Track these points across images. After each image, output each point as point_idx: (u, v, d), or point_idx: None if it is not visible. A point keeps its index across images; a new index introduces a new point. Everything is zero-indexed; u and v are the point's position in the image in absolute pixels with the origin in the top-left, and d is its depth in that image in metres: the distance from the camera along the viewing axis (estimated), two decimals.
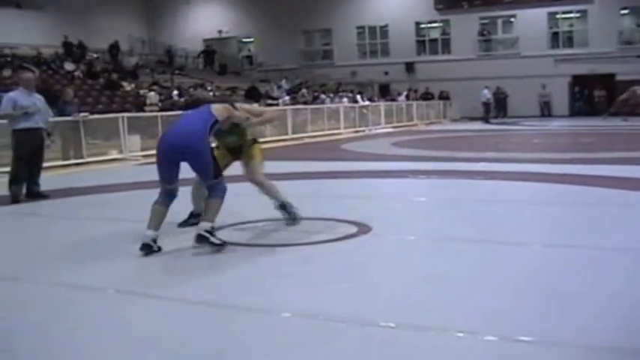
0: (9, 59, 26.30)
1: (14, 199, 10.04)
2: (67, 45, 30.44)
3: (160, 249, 6.06)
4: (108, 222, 8.17)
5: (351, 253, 6.18)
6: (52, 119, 11.38)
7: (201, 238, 5.98)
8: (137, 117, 19.40)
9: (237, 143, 7.20)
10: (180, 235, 6.82)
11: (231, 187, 6.40)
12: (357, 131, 27.48)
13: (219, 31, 42.68)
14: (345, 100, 31.52)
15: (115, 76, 26.66)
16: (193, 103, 7.22)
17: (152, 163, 15.78)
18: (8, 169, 10.69)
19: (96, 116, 17.79)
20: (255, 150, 7.35)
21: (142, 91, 25.03)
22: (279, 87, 32.60)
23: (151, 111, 21.50)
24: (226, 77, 36.99)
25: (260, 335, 4.02)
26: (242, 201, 7.64)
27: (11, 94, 10.52)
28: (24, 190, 10.30)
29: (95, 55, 30.64)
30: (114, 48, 32.72)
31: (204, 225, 6.02)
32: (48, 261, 6.20)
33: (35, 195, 10.35)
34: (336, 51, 41.61)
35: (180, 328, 4.18)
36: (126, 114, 18.59)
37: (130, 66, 30.31)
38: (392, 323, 4.09)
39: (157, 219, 6.10)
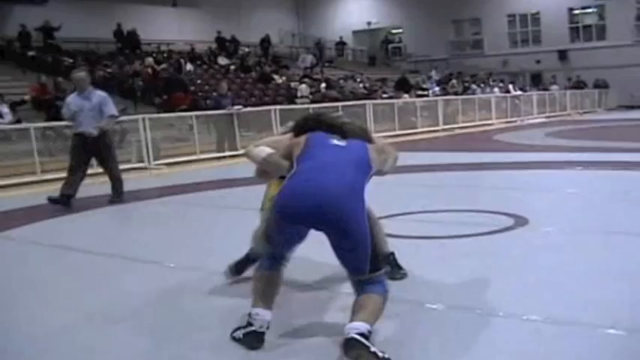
0: (165, 55, 27.31)
1: (57, 199, 9.45)
2: (220, 40, 31.27)
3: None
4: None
5: (509, 245, 6.01)
6: (111, 116, 9.84)
7: (353, 344, 3.47)
8: (289, 109, 19.70)
9: None
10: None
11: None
12: (509, 121, 26.89)
13: (369, 23, 42.75)
14: (496, 90, 30.90)
15: (267, 69, 27.17)
16: (323, 125, 4.26)
17: None
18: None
19: (249, 109, 18.21)
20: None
21: (292, 84, 25.38)
22: (429, 78, 32.31)
23: (302, 103, 21.78)
24: (376, 68, 37.02)
25: (415, 327, 3.98)
26: (394, 192, 7.57)
27: (69, 97, 10.12)
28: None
29: (247, 50, 31.32)
30: (265, 42, 33.37)
31: (360, 326, 3.54)
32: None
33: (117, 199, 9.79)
34: (486, 40, 40.81)
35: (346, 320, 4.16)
36: (278, 106, 18.93)
37: (306, 64, 30.60)
38: (558, 320, 3.94)
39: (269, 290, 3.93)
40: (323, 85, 26.12)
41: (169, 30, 32.58)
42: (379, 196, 6.33)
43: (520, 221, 6.78)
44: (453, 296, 4.50)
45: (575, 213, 7.47)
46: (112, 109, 9.78)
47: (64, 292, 5.29)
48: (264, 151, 4.24)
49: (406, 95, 26.07)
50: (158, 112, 18.55)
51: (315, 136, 4.07)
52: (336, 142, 4.00)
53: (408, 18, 41.69)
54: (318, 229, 3.76)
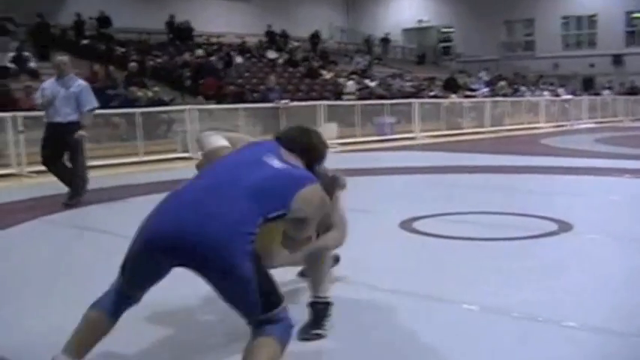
0: (215, 47, 27.49)
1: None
2: (270, 34, 31.39)
3: None
4: None
5: (552, 250, 5.93)
6: (90, 110, 8.91)
7: None
8: (335, 105, 19.71)
9: None
10: None
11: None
12: (557, 126, 26.56)
13: (419, 21, 42.56)
14: (545, 93, 30.53)
15: (315, 64, 27.20)
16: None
17: (349, 151, 16.18)
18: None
19: (295, 103, 18.25)
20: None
21: (340, 80, 25.38)
22: (478, 78, 32.06)
23: (349, 100, 21.76)
24: (424, 67, 36.84)
25: (449, 328, 3.95)
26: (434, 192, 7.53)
27: (45, 82, 9.27)
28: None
29: (296, 44, 31.38)
30: (314, 37, 33.41)
31: None
32: None
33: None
34: (538, 42, 40.38)
35: (383, 317, 4.17)
36: (324, 102, 18.96)
37: (360, 66, 30.52)
38: (596, 327, 3.88)
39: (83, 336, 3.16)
40: (370, 81, 26.09)
41: (220, 22, 32.77)
42: (419, 196, 6.34)
43: (564, 227, 6.69)
44: (490, 298, 4.45)
45: (621, 221, 7.34)
46: (92, 100, 8.88)
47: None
48: (217, 141, 3.67)
49: (454, 95, 25.92)
50: (205, 104, 18.70)
51: (256, 145, 3.61)
52: (269, 160, 3.28)
53: (459, 17, 41.43)
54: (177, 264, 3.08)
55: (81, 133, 8.70)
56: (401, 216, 7.19)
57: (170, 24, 28.19)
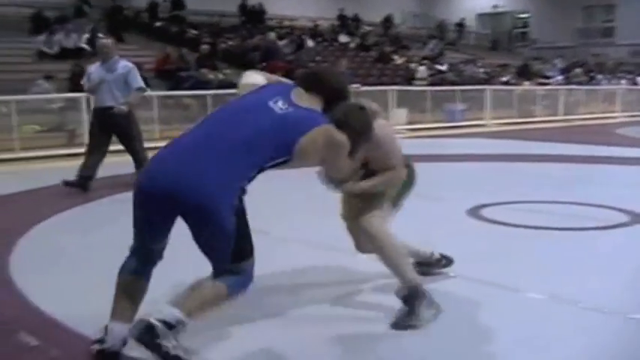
0: (288, 31, 27.59)
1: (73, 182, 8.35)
2: (342, 18, 31.35)
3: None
4: None
5: (622, 241, 5.84)
6: (138, 89, 8.70)
7: (142, 329, 2.99)
8: (406, 90, 19.61)
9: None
10: None
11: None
12: (634, 115, 25.92)
13: (494, 6, 41.93)
14: (623, 81, 29.80)
15: (387, 49, 27.08)
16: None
17: (418, 137, 16.11)
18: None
19: (366, 88, 18.20)
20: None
21: (412, 65, 25.21)
22: (553, 65, 31.47)
23: (420, 85, 21.62)
24: (498, 53, 36.31)
25: (512, 314, 3.96)
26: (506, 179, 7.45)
27: (91, 66, 8.92)
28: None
29: (368, 28, 31.26)
30: (387, 21, 33.24)
31: (167, 311, 3.04)
32: None
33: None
34: (619, 28, 39.31)
35: (448, 303, 4.14)
36: (395, 87, 18.88)
37: (434, 51, 30.26)
38: None
39: (121, 301, 3.31)
40: (444, 67, 25.87)
41: (293, 6, 32.81)
42: (488, 183, 6.28)
43: (636, 218, 6.57)
44: (557, 288, 4.40)
45: None
46: (139, 81, 8.66)
47: None
48: (250, 79, 3.69)
49: (527, 83, 25.51)
50: None
51: (266, 88, 3.51)
52: (274, 105, 3.28)
53: (535, 3, 40.66)
54: (173, 215, 3.21)
55: (121, 108, 8.38)
56: (469, 203, 7.16)
57: (243, 7, 28.40)
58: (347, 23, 30.97)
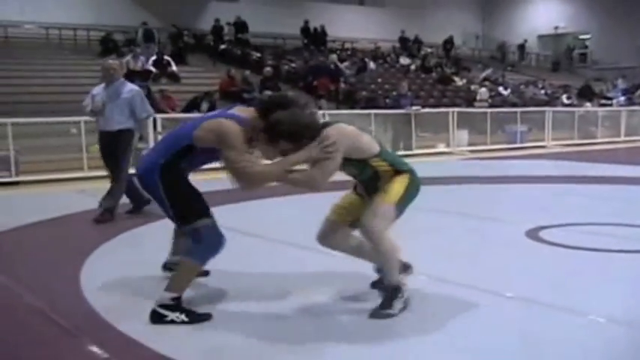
0: (349, 53, 27.94)
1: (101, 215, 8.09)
2: (403, 40, 31.58)
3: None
4: (438, 213, 8.33)
5: None
6: (146, 117, 8.61)
7: (154, 317, 4.25)
8: (467, 112, 19.72)
9: (363, 175, 4.56)
10: None
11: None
12: None
13: (556, 27, 41.68)
14: None
15: (448, 70, 27.21)
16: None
17: (479, 158, 16.18)
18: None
19: (427, 110, 18.38)
20: (394, 184, 4.48)
21: (472, 87, 25.29)
22: (615, 86, 31.15)
23: (481, 107, 21.69)
24: (559, 74, 36.11)
25: (575, 338, 4.02)
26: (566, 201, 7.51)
27: (95, 88, 8.52)
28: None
29: (429, 50, 31.42)
30: (448, 43, 33.36)
31: (164, 296, 4.27)
32: None
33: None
34: None
35: (506, 324, 4.32)
36: (456, 109, 19.01)
37: (493, 73, 30.25)
38: None
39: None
40: (503, 88, 25.88)
41: (355, 28, 33.22)
42: (548, 205, 6.38)
43: None
44: (617, 311, 4.47)
45: None
46: (147, 108, 8.39)
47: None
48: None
49: (588, 104, 25.36)
50: (338, 109, 19.12)
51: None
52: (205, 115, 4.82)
53: (597, 23, 40.22)
54: None
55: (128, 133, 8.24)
56: (528, 225, 7.22)
57: (305, 30, 28.84)
58: (408, 45, 31.15)
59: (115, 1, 27.06)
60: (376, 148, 4.46)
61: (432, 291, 4.81)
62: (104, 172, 8.84)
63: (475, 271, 5.35)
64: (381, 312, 4.31)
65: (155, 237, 6.72)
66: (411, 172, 4.55)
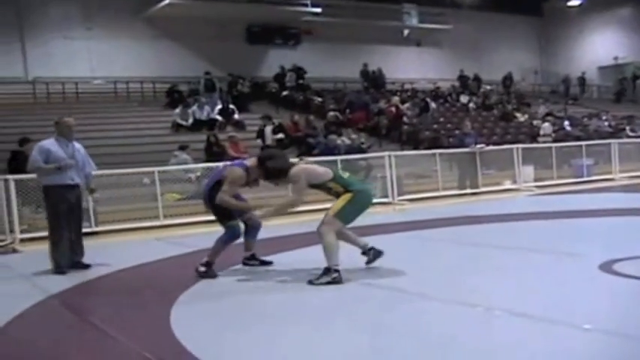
0: (409, 94, 28.19)
1: (56, 268, 8.40)
2: (462, 78, 31.72)
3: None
4: (511, 250, 8.52)
5: None
6: (94, 172, 9.28)
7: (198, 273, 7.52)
8: (531, 148, 19.69)
9: (330, 193, 7.19)
10: None
11: None
12: None
13: (615, 58, 41.31)
14: None
15: (509, 107, 27.21)
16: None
17: (546, 194, 16.15)
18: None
19: (491, 147, 18.42)
20: (339, 200, 7.03)
21: (535, 122, 25.24)
22: None
23: (545, 142, 21.62)
24: (622, 105, 35.73)
25: None
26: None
27: (45, 142, 8.61)
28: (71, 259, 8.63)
29: (489, 87, 31.47)
30: (507, 79, 33.38)
31: (202, 261, 7.55)
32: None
33: (76, 265, 8.55)
34: None
35: (582, 357, 4.44)
36: (520, 145, 19.01)
37: (555, 108, 30.19)
38: None
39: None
40: (567, 122, 25.75)
41: (412, 69, 33.52)
42: (620, 238, 6.40)
43: None
44: None
45: None
46: (93, 164, 9.12)
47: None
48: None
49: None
50: (402, 150, 19.31)
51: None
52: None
53: None
54: None
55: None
56: (601, 258, 7.21)
57: (364, 72, 29.21)
58: (467, 83, 31.26)
59: (179, 52, 27.79)
60: (330, 175, 7.06)
61: (513, 326, 4.92)
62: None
63: (549, 305, 5.44)
64: (313, 282, 6.70)
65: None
66: (356, 190, 7.01)
